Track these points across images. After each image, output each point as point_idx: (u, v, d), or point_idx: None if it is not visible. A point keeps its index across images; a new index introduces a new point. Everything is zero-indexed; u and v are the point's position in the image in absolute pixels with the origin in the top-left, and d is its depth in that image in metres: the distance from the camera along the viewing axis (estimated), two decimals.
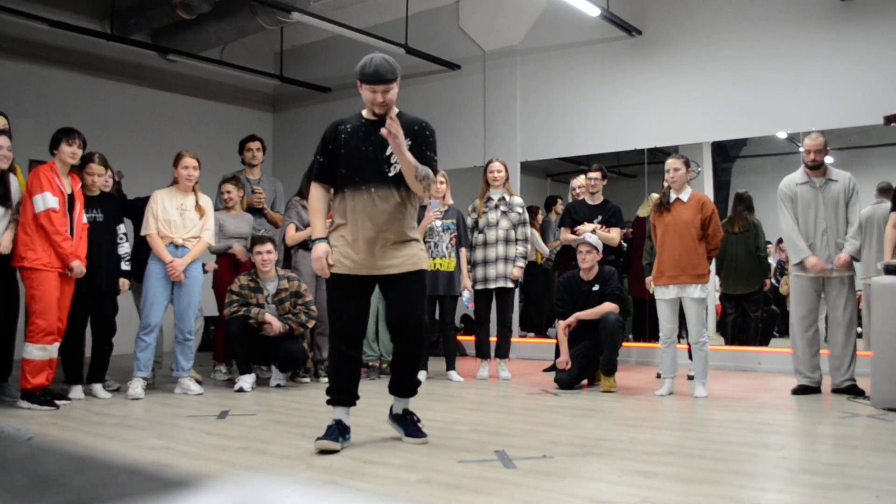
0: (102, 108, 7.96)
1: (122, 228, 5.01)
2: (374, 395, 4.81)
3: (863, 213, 5.22)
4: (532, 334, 8.06)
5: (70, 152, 4.50)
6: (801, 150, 5.21)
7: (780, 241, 7.74)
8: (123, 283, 5.00)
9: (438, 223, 5.68)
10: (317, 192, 3.37)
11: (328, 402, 3.36)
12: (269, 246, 5.22)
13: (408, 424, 3.45)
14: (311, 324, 5.36)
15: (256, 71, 9.01)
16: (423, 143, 3.32)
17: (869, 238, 5.72)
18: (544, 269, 7.88)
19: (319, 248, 3.27)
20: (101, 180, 4.90)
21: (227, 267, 5.72)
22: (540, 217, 8.15)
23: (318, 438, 3.21)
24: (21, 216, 4.39)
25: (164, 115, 8.60)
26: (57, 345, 4.42)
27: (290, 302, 5.30)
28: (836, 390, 4.89)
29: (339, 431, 3.25)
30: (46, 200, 4.32)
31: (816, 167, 4.95)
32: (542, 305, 8.11)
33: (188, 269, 5.01)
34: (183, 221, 5.01)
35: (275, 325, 5.14)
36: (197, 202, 5.10)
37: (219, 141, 8.63)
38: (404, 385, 3.50)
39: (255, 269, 5.28)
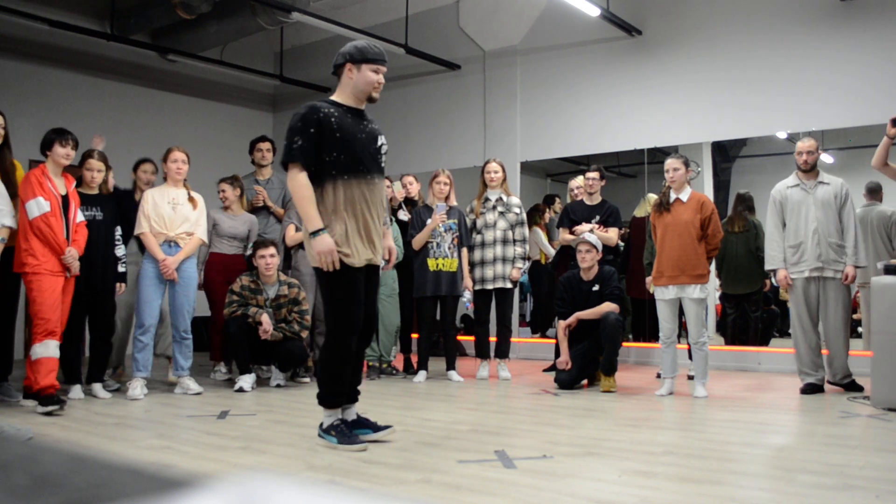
0: (102, 108, 7.95)
1: (119, 230, 4.96)
2: (375, 395, 4.82)
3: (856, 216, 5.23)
4: (539, 335, 8.03)
5: (64, 153, 4.43)
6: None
7: None
8: (119, 286, 4.97)
9: (441, 224, 5.68)
10: (305, 177, 3.11)
11: (329, 405, 3.25)
12: (272, 250, 5.20)
13: (369, 422, 3.37)
14: (304, 333, 5.33)
15: (256, 71, 9.01)
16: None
17: (864, 240, 5.73)
18: (548, 270, 7.87)
19: (327, 240, 3.07)
20: (99, 176, 4.86)
21: (218, 268, 5.70)
22: (547, 216, 8.13)
23: (345, 444, 3.15)
24: (20, 223, 4.34)
25: (165, 115, 8.59)
26: (58, 344, 4.40)
27: (287, 309, 5.28)
28: (832, 383, 4.95)
29: (350, 430, 3.23)
30: (41, 205, 4.26)
31: (808, 170, 4.97)
32: (547, 306, 8.09)
33: (182, 268, 4.98)
34: (176, 215, 4.98)
35: (266, 326, 5.10)
36: (189, 195, 5.09)
37: (219, 141, 8.64)
38: (355, 388, 3.41)
39: (257, 270, 5.27)
